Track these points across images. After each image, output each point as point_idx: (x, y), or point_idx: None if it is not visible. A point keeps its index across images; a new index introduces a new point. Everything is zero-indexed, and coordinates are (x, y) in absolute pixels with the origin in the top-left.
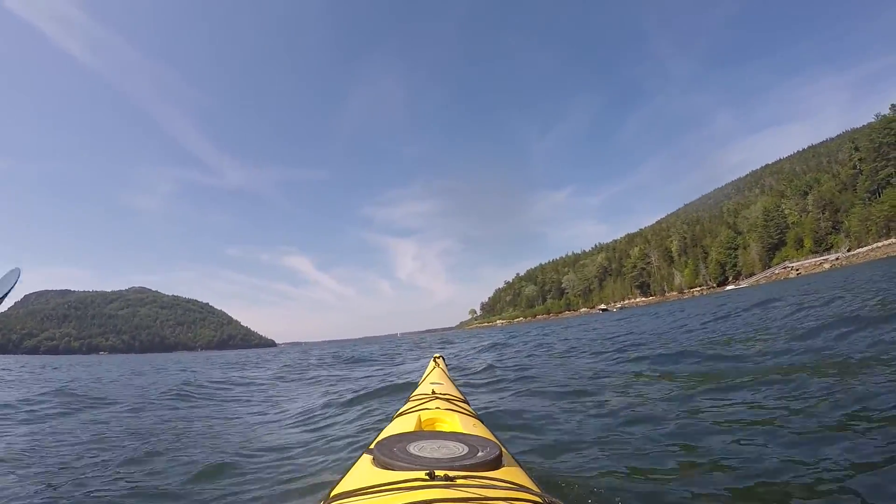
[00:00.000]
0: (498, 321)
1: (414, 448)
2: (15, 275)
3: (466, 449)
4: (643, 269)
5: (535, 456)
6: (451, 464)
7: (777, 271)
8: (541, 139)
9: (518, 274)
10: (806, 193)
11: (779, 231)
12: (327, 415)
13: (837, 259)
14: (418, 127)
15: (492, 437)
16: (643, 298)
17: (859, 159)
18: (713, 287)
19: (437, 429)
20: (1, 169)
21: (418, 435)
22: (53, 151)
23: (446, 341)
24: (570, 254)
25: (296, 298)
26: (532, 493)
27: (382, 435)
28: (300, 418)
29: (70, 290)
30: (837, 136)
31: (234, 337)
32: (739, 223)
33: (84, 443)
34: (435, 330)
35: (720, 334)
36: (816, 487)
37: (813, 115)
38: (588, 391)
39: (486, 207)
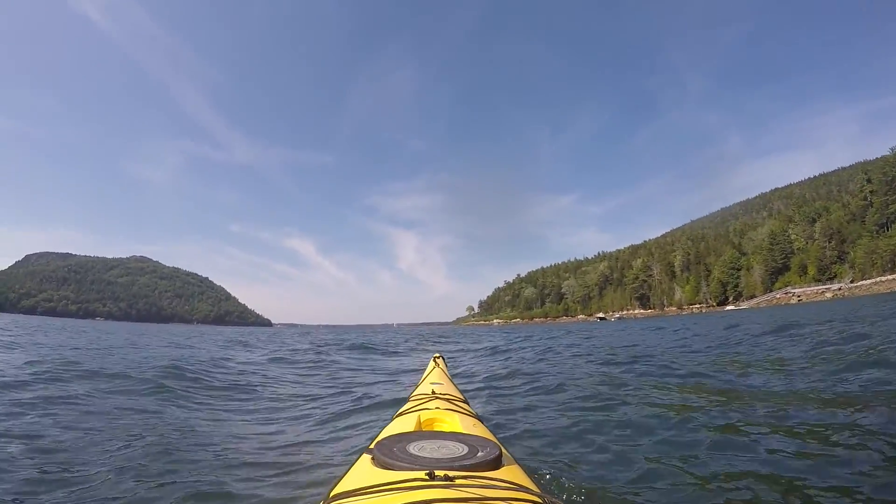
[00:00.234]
0: (495, 320)
1: (414, 448)
2: None
3: (466, 449)
4: (644, 281)
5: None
6: (450, 464)
7: (778, 296)
8: (549, 143)
9: (519, 275)
10: (814, 220)
11: (783, 256)
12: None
13: (840, 289)
14: (427, 121)
15: (492, 437)
16: (642, 311)
17: (871, 191)
18: (713, 305)
19: (437, 429)
20: (10, 129)
21: (418, 435)
22: (63, 116)
23: (445, 337)
24: (572, 259)
25: (295, 280)
26: (532, 493)
27: (382, 435)
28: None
29: (71, 254)
30: (850, 165)
31: (231, 313)
32: (745, 244)
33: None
34: (431, 324)
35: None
36: None
37: (825, 143)
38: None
39: (489, 206)
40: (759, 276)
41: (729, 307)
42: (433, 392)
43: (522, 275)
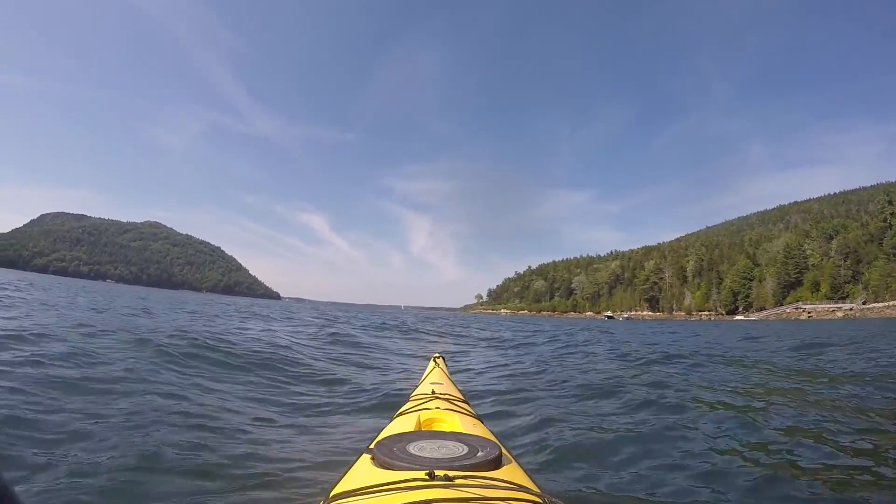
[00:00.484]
0: (503, 310)
1: (414, 448)
2: None
3: (466, 449)
4: (655, 283)
5: None
6: (450, 464)
7: (788, 310)
8: (570, 138)
9: (530, 267)
10: (831, 237)
11: (797, 270)
12: None
13: (851, 309)
14: (449, 107)
15: (492, 437)
16: (650, 313)
17: (891, 213)
18: (721, 314)
19: (437, 429)
20: (36, 89)
21: (418, 435)
22: (87, 77)
23: (464, 324)
24: (584, 256)
25: (306, 255)
26: (532, 493)
27: (382, 435)
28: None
29: (86, 216)
30: (871, 185)
31: (241, 284)
32: (759, 255)
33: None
34: (439, 308)
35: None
36: None
37: (848, 160)
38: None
39: (504, 196)
40: (770, 289)
41: (738, 317)
42: (433, 392)
43: (533, 267)
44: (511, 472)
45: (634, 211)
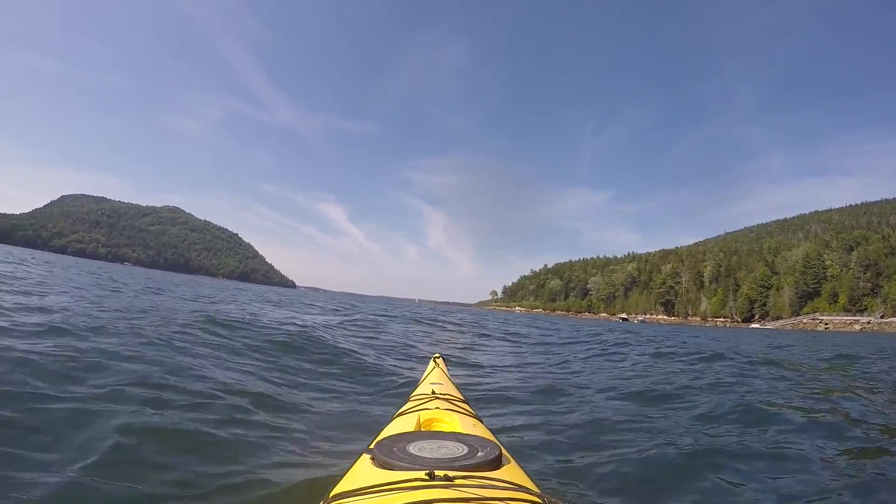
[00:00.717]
0: (517, 308)
1: (413, 448)
2: None
3: (466, 449)
4: (671, 287)
5: None
6: (450, 464)
7: (805, 321)
8: (591, 138)
9: (546, 265)
10: (851, 249)
11: (816, 280)
12: None
13: (869, 322)
14: (470, 101)
15: (491, 438)
16: (665, 316)
17: None
18: (737, 321)
19: (437, 429)
20: (61, 73)
21: (418, 435)
22: (111, 63)
23: (483, 318)
24: (600, 256)
25: (322, 245)
26: (532, 493)
27: (382, 435)
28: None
29: (106, 199)
30: (894, 198)
31: (257, 271)
32: (777, 263)
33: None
34: (453, 303)
35: None
36: None
37: (871, 171)
38: None
39: (521, 193)
40: (788, 298)
41: (754, 325)
42: (433, 392)
43: (549, 265)
44: (511, 472)
45: (653, 213)
